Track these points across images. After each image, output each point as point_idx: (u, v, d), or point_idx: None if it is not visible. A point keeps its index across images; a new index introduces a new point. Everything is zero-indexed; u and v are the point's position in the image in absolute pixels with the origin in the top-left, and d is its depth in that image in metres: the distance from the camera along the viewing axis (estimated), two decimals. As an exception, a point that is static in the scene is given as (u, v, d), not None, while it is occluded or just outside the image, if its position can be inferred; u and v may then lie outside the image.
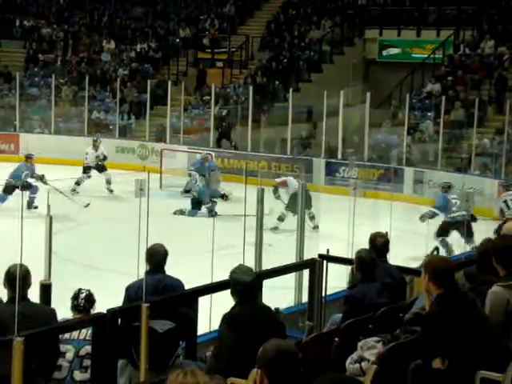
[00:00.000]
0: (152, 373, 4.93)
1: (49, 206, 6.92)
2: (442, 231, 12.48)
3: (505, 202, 13.03)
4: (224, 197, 16.34)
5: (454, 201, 12.61)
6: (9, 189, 14.93)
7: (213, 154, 18.69)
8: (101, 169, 17.43)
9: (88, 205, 15.27)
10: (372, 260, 5.81)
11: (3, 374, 4.20)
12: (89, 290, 5.68)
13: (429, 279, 4.14)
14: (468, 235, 11.64)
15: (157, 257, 5.71)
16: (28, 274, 4.92)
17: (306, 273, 6.79)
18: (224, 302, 5.59)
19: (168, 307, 5.57)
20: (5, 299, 4.99)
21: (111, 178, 17.29)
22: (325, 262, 6.41)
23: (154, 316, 5.10)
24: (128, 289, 5.68)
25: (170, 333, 5.38)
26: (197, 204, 15.52)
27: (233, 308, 4.86)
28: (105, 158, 17.57)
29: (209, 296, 6.19)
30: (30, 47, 26.37)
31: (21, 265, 4.82)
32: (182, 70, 25.36)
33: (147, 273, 5.57)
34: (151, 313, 4.95)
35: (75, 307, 5.55)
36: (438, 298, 4.09)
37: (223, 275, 5.72)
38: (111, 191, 17.17)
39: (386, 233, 6.69)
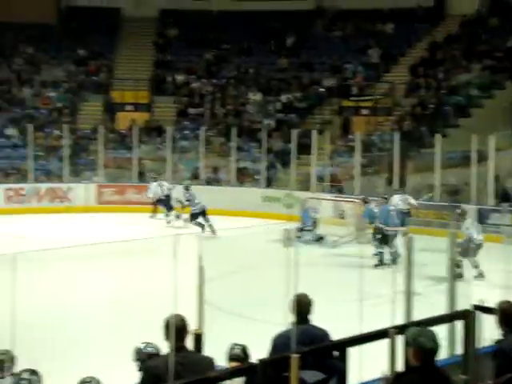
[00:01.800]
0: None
1: (200, 257, 7.07)
2: None
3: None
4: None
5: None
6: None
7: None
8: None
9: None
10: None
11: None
12: (243, 345, 5.80)
13: None
14: None
15: (302, 307, 5.74)
16: (185, 324, 5.04)
17: (459, 323, 6.56)
18: (373, 352, 5.51)
19: (317, 358, 5.53)
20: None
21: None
22: (479, 313, 6.17)
23: (302, 367, 5.08)
24: (275, 339, 5.69)
25: (320, 384, 5.34)
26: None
27: (407, 372, 4.67)
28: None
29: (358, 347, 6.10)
30: (181, 102, 27.39)
31: (177, 315, 4.95)
32: (326, 118, 25.54)
33: (294, 323, 5.58)
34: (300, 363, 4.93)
35: (231, 358, 5.66)
36: None
37: (371, 325, 5.65)
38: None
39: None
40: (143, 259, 13.78)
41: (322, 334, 5.73)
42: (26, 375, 5.44)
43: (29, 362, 5.80)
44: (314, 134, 21.81)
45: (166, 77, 28.26)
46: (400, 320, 6.67)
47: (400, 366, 5.19)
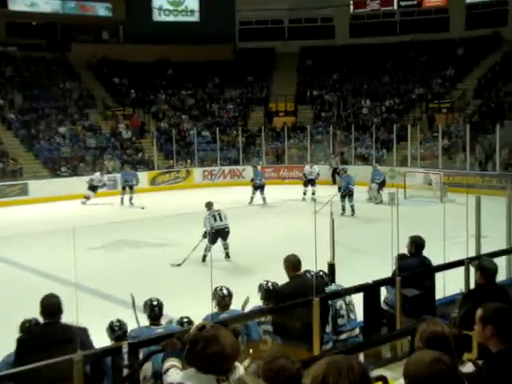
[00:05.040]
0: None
1: (332, 213, 7.11)
2: None
3: None
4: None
5: None
6: None
7: None
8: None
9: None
10: None
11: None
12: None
13: None
14: None
15: (416, 243, 5.72)
16: (299, 259, 5.02)
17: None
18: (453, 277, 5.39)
19: (415, 279, 5.50)
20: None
21: None
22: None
23: (405, 285, 5.08)
24: (400, 266, 5.37)
25: (417, 298, 5.32)
26: None
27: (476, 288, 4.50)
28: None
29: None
30: (316, 109, 27.06)
31: (292, 255, 5.07)
32: (417, 116, 24.52)
33: (411, 255, 5.61)
34: (403, 283, 4.94)
35: None
36: None
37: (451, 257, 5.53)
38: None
39: None
40: (292, 217, 13.96)
41: (428, 263, 5.65)
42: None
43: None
44: (409, 128, 21.26)
45: (306, 92, 28.23)
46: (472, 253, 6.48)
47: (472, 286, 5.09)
